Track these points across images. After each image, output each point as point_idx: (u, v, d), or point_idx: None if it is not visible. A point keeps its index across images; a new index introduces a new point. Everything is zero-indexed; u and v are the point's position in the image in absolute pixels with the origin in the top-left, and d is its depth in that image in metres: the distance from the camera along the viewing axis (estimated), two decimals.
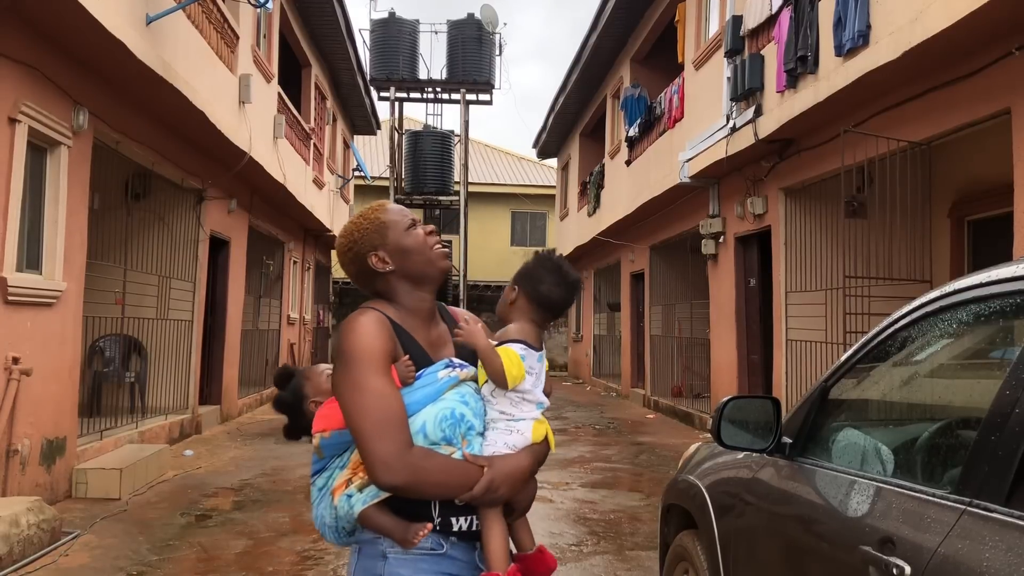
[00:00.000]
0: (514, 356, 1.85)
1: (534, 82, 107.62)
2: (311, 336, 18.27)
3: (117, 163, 7.90)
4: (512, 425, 1.86)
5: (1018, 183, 5.40)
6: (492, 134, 71.41)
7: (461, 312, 2.06)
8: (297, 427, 2.16)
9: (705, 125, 10.08)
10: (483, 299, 25.27)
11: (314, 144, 15.09)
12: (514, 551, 1.96)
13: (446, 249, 2.00)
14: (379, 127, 22.45)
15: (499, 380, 1.84)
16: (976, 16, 5.07)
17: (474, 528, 1.85)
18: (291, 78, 14.04)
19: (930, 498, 1.74)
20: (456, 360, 1.90)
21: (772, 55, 8.21)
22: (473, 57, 18.82)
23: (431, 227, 1.98)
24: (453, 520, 1.83)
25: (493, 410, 1.87)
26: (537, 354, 1.93)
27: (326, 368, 2.14)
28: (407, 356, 1.84)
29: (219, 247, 10.72)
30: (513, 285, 2.00)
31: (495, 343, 1.89)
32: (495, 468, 1.80)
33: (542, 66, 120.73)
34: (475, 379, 1.91)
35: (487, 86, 19.02)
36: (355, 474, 1.84)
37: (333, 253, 22.66)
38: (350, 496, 1.82)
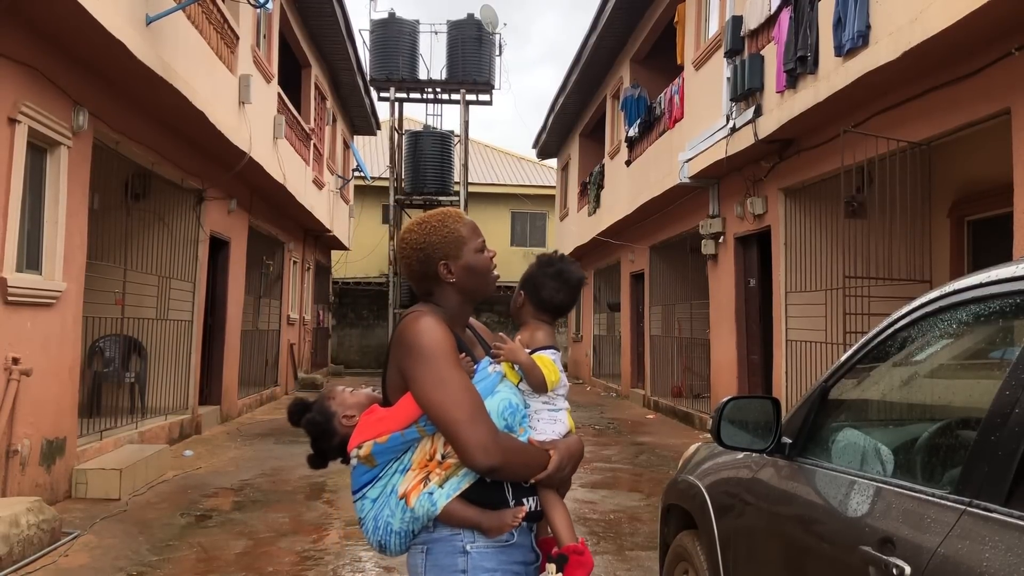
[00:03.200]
0: (550, 363, 2.05)
1: (548, 85, 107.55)
2: (311, 336, 18.28)
3: (117, 163, 7.90)
4: (554, 415, 2.05)
5: (1018, 183, 5.40)
6: (500, 138, 71.01)
7: (478, 325, 2.19)
8: (325, 449, 2.11)
9: (705, 125, 10.08)
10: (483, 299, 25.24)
11: (314, 144, 15.09)
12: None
13: (498, 273, 2.14)
14: (379, 127, 22.46)
15: (540, 388, 2.03)
16: (976, 16, 5.07)
17: (538, 508, 1.98)
18: (291, 78, 14.04)
19: (930, 498, 1.74)
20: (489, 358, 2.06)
21: (772, 55, 8.21)
22: (473, 57, 18.82)
23: (494, 251, 2.12)
24: (525, 501, 1.95)
25: (536, 402, 2.03)
26: (560, 353, 2.12)
27: (344, 388, 2.17)
28: (463, 354, 1.97)
29: (219, 247, 10.72)
30: (520, 291, 2.16)
31: (529, 351, 2.05)
32: (560, 449, 1.97)
33: (556, 70, 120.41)
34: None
35: (487, 86, 19.03)
36: (430, 472, 1.89)
37: (334, 253, 22.66)
38: (431, 493, 1.87)
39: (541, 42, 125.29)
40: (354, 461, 1.97)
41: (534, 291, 2.15)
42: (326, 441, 2.09)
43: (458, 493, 1.88)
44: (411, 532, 1.91)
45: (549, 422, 2.04)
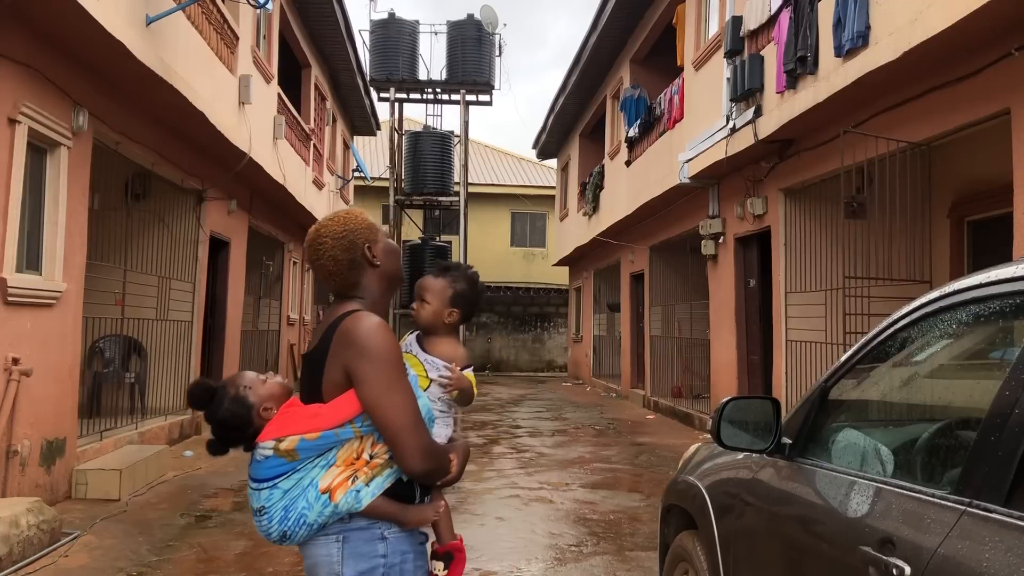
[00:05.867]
0: (474, 380, 2.28)
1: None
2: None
3: (117, 164, 7.90)
4: (446, 420, 2.24)
5: (1018, 183, 5.41)
6: (507, 141, 70.82)
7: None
8: (235, 439, 2.11)
9: (705, 126, 10.08)
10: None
11: (314, 145, 15.09)
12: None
13: None
14: (379, 128, 22.46)
15: (469, 403, 2.27)
16: (976, 16, 5.07)
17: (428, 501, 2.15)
18: (291, 79, 14.04)
19: (930, 498, 1.74)
20: None
21: (772, 55, 8.21)
22: (473, 58, 18.80)
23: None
24: (426, 498, 2.11)
25: (435, 409, 2.18)
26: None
27: (258, 376, 2.16)
28: None
29: (219, 248, 10.72)
30: (453, 309, 2.31)
31: (460, 368, 2.24)
32: (460, 453, 2.16)
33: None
34: None
35: (487, 87, 19.02)
36: (357, 470, 1.97)
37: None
38: (358, 491, 1.96)
39: (556, 46, 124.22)
40: (267, 452, 1.98)
41: (468, 307, 2.33)
42: (240, 431, 2.09)
43: (381, 491, 1.98)
44: (322, 524, 1.97)
45: (444, 427, 2.21)
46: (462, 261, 18.63)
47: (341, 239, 2.06)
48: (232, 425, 2.10)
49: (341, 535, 1.98)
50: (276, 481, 1.98)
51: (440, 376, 2.20)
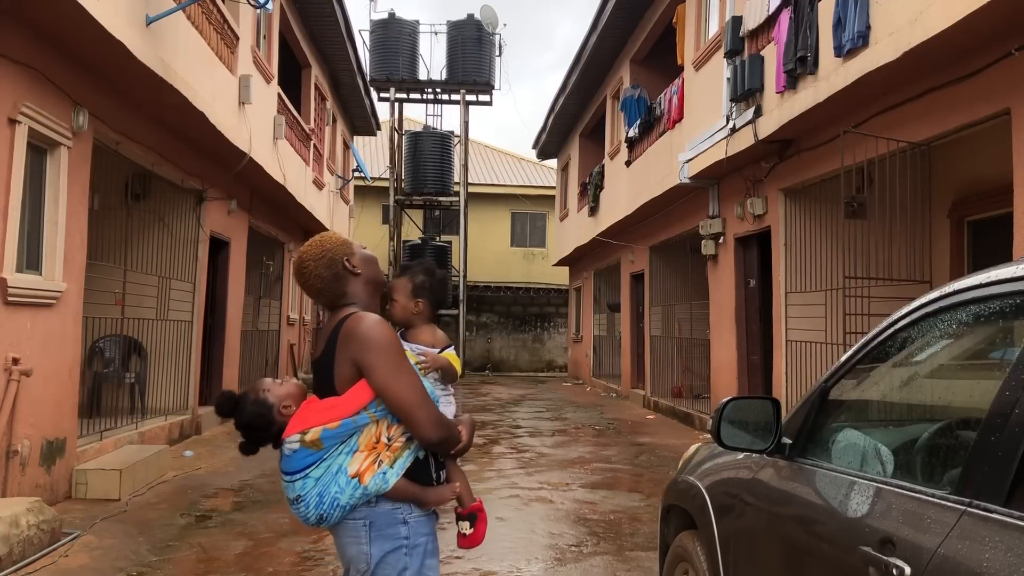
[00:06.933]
0: (456, 359, 2.57)
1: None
2: (311, 337, 18.27)
3: (117, 164, 7.90)
4: (449, 399, 2.53)
5: (1018, 183, 5.41)
6: (510, 143, 70.53)
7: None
8: (262, 439, 2.32)
9: (705, 126, 10.08)
10: (483, 299, 25.26)
11: (314, 145, 15.09)
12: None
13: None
14: (379, 128, 22.46)
15: (454, 379, 2.55)
16: (976, 17, 5.07)
17: (446, 478, 2.36)
18: (291, 79, 14.04)
19: (930, 498, 1.74)
20: None
21: (772, 56, 8.21)
22: (473, 58, 18.86)
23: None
24: (440, 474, 2.32)
25: (436, 390, 2.41)
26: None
27: (274, 380, 2.36)
28: None
29: (219, 248, 10.72)
30: (417, 300, 2.61)
31: (438, 350, 2.54)
32: (467, 425, 2.38)
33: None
34: None
35: (487, 87, 19.05)
36: (379, 454, 2.16)
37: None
38: (384, 473, 2.16)
39: (561, 47, 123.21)
40: (295, 445, 2.18)
41: (434, 298, 2.58)
42: (265, 431, 2.29)
43: (404, 471, 2.18)
44: (353, 506, 2.17)
45: (446, 404, 2.46)
46: (460, 261, 18.71)
47: (321, 258, 2.28)
48: (257, 425, 2.30)
49: (367, 519, 2.18)
50: (307, 471, 2.16)
51: (418, 358, 2.41)
